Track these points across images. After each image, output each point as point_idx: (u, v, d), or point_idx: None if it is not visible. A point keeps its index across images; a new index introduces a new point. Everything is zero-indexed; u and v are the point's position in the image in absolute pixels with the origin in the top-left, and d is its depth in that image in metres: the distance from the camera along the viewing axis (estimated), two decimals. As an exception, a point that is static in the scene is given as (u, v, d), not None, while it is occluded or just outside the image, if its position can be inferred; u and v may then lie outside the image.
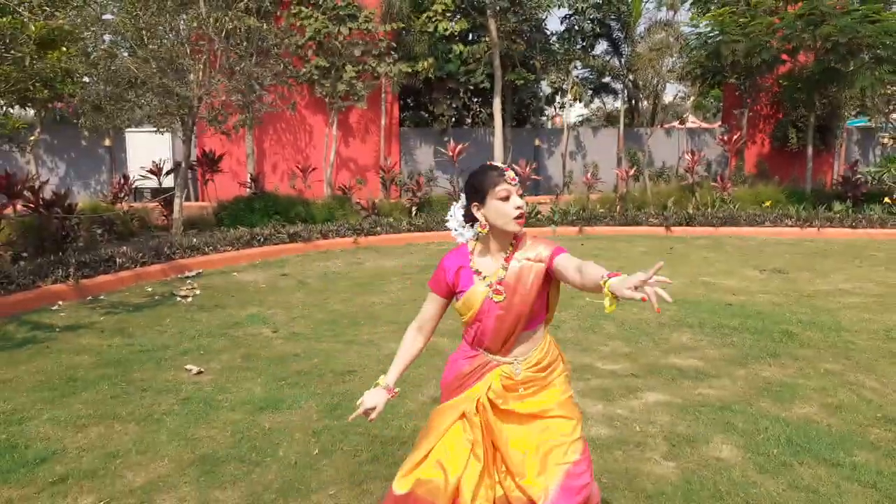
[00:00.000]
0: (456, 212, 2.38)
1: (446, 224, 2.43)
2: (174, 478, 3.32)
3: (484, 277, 2.27)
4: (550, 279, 2.28)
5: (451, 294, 2.34)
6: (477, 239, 2.32)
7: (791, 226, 12.61)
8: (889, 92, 17.74)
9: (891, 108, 19.89)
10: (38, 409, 4.17)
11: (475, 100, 19.65)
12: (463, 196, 2.33)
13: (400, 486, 2.24)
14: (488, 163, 2.28)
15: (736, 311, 6.61)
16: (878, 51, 13.68)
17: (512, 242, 2.29)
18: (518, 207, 2.19)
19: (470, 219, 2.32)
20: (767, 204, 14.33)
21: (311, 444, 3.67)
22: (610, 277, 1.90)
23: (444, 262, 2.35)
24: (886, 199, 13.74)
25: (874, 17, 13.21)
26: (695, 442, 3.69)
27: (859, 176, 15.17)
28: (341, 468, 3.41)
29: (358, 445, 3.65)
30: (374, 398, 2.34)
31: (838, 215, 12.93)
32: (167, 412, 4.14)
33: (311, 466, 3.42)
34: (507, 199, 2.19)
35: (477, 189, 2.23)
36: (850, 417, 4.02)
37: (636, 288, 1.80)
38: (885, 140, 15.54)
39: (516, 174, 2.26)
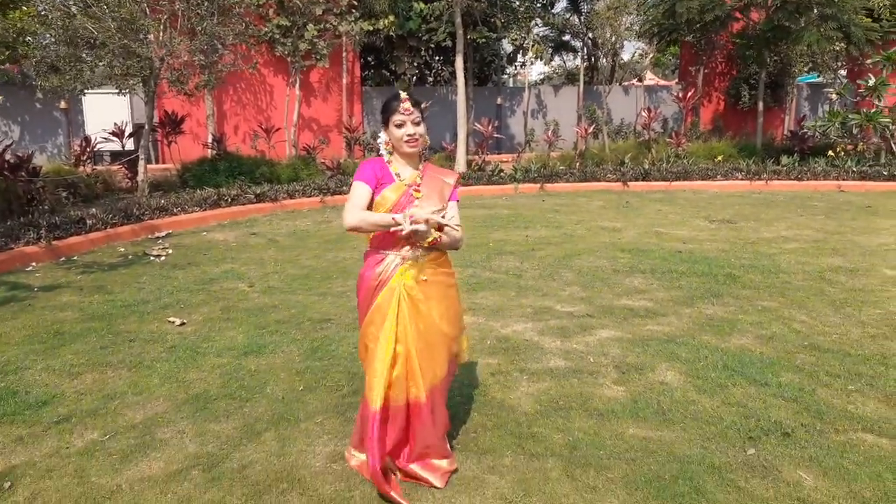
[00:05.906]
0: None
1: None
2: (171, 414, 3.62)
3: (402, 179, 2.77)
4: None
5: (376, 185, 2.74)
6: (390, 153, 2.80)
7: (741, 179, 13.17)
8: (836, 48, 18.36)
9: (839, 64, 20.58)
10: (31, 360, 4.39)
11: (437, 58, 19.69)
12: None
13: (374, 401, 2.69)
14: (397, 92, 2.78)
15: (685, 257, 7.08)
16: (825, 9, 14.16)
17: (421, 163, 2.83)
18: (409, 135, 2.69)
19: None
20: (719, 158, 14.90)
21: (296, 382, 4.00)
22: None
23: (368, 162, 2.81)
24: (830, 153, 14.41)
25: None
26: (642, 369, 4.12)
27: (806, 130, 15.82)
28: (325, 401, 3.75)
29: (339, 381, 3.99)
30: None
31: (785, 168, 13.55)
32: (156, 359, 4.41)
33: (297, 400, 3.76)
34: (401, 126, 2.70)
35: (382, 114, 2.78)
36: (780, 346, 4.50)
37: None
38: (833, 95, 16.14)
39: (417, 104, 2.72)
